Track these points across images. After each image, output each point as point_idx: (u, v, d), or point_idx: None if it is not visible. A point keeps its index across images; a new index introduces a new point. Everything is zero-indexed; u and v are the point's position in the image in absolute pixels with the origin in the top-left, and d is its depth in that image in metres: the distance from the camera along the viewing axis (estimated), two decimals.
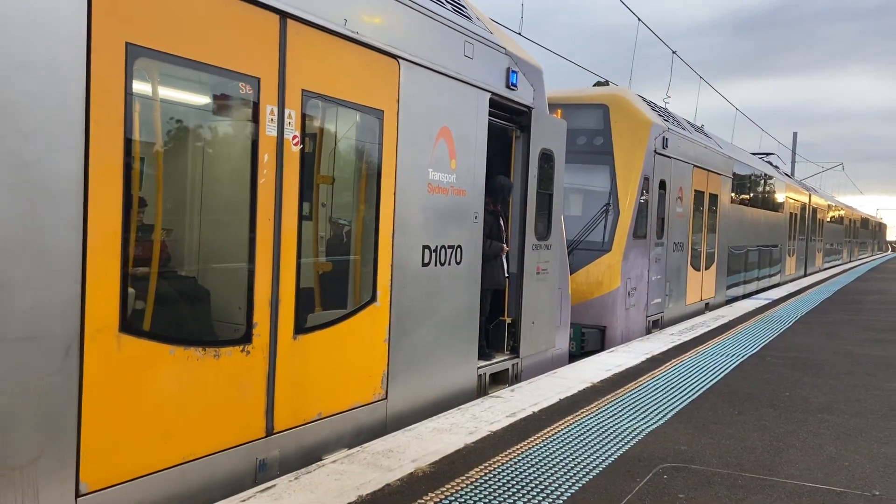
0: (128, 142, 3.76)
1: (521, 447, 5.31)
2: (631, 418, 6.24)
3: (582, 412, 6.38)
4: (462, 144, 6.64)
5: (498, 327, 7.83)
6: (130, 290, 3.92)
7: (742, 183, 18.39)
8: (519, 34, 10.03)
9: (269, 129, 4.63)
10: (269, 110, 4.63)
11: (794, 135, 45.16)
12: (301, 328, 4.97)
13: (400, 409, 6.00)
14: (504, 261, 7.63)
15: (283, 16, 4.66)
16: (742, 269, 18.90)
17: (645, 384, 7.63)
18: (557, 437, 5.59)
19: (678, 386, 7.61)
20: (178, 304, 4.59)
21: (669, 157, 12.78)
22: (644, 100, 12.85)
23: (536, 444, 5.39)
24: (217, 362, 4.36)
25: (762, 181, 20.90)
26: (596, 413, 6.38)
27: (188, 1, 4.08)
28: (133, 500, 3.92)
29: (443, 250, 6.52)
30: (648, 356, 9.22)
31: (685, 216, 13.97)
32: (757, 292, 20.18)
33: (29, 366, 3.39)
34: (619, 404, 6.73)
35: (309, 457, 5.07)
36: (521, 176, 7.83)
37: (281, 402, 4.83)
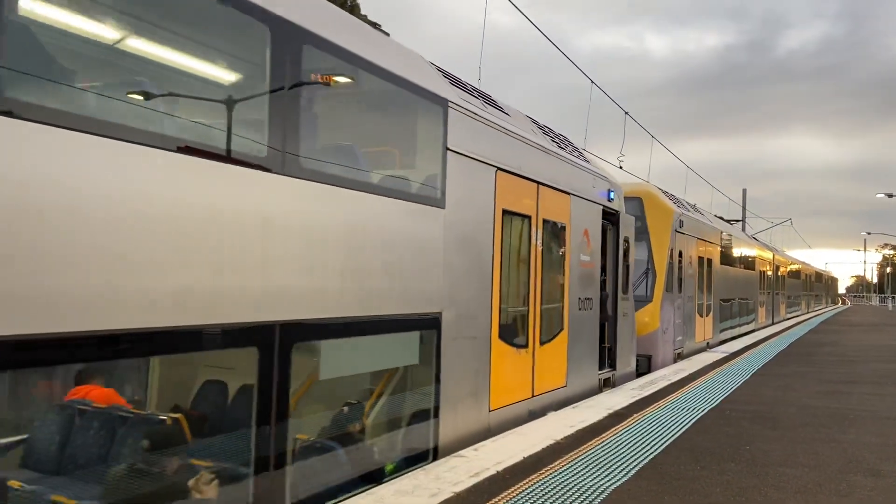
0: (501, 251, 8.07)
1: None
2: (595, 475, 6.19)
3: (546, 470, 6.32)
4: (592, 237, 10.91)
5: (601, 350, 11.58)
6: (497, 320, 8.03)
7: (725, 247, 22.75)
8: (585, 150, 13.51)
9: (534, 239, 9.01)
10: (534, 229, 9.00)
11: (744, 191, 46.64)
12: (541, 342, 9.21)
13: (570, 394, 10.04)
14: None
15: (538, 184, 9.07)
16: (729, 317, 23.73)
17: (608, 440, 7.61)
18: (521, 498, 5.50)
19: (641, 441, 7.60)
20: (509, 325, 8.45)
21: (683, 234, 17.51)
22: (664, 192, 17.81)
23: None
24: (520, 354, 8.66)
25: (738, 245, 25.58)
26: (560, 471, 6.32)
27: (523, 187, 8.74)
28: (503, 414, 8.18)
29: (586, 300, 10.70)
30: (611, 411, 9.22)
31: (693, 276, 18.67)
32: (739, 336, 24.62)
33: (478, 350, 7.68)
34: (583, 461, 6.68)
35: (541, 413, 9.00)
36: (612, 254, 12.01)
37: (535, 379, 9.01)
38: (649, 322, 15.32)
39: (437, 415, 6.89)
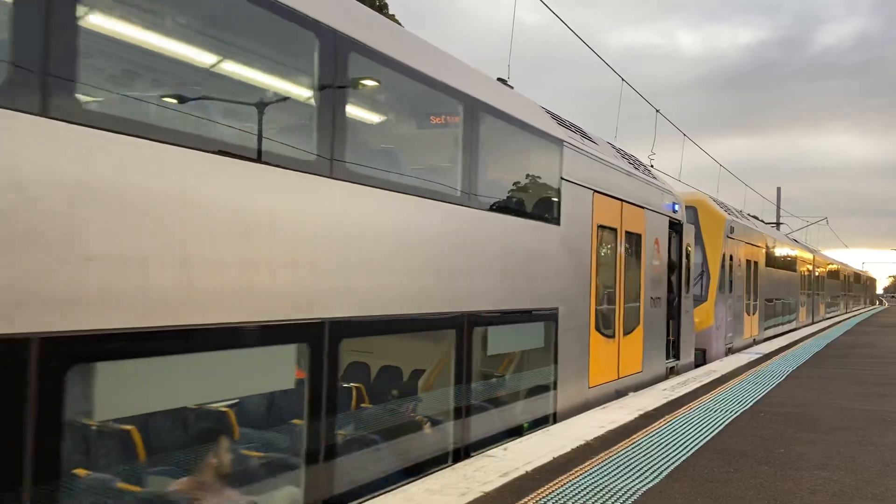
0: (596, 258, 9.80)
1: None
2: (626, 477, 6.15)
3: (576, 471, 6.28)
4: (661, 245, 12.67)
5: (667, 343, 13.33)
6: (594, 314, 9.82)
7: (770, 250, 24.61)
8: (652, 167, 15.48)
9: (619, 248, 10.74)
10: (619, 239, 10.68)
11: (778, 190, 45.85)
12: (624, 333, 10.92)
13: (645, 379, 11.83)
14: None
15: (622, 201, 10.77)
16: (772, 316, 25.38)
17: (639, 441, 7.55)
18: (552, 498, 5.48)
19: (672, 443, 7.53)
20: (602, 318, 10.16)
21: (733, 239, 19.02)
22: (715, 200, 19.79)
23: None
24: (609, 343, 10.38)
25: (781, 248, 27.62)
26: (590, 472, 6.28)
27: (611, 204, 10.41)
28: (597, 391, 9.90)
29: (657, 299, 12.43)
30: (642, 412, 9.13)
31: (742, 277, 20.17)
32: (782, 334, 26.08)
33: (582, 338, 9.50)
34: (614, 462, 6.63)
35: (623, 393, 10.70)
36: (676, 259, 13.81)
37: (620, 364, 10.73)
38: (704, 319, 17.00)
39: (555, 387, 8.95)
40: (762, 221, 31.35)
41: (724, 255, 18.10)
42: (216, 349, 4.45)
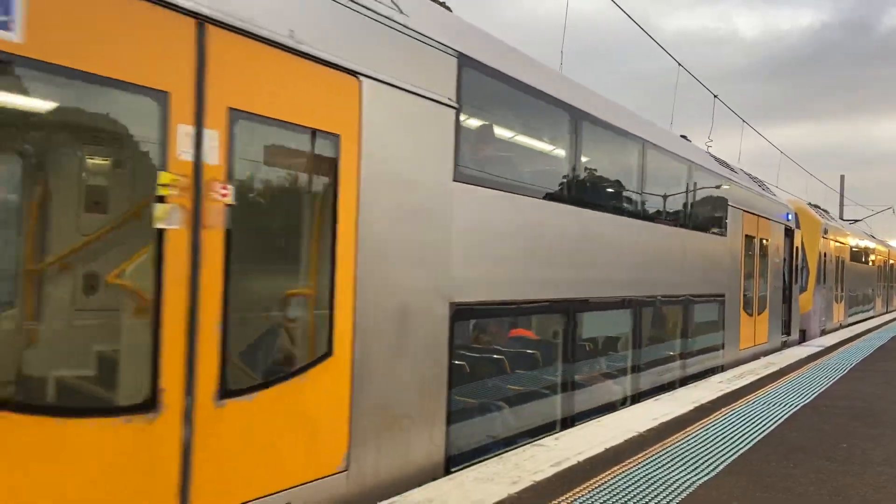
0: (742, 258, 14.14)
1: (567, 498, 5.17)
2: (680, 469, 6.04)
3: (629, 462, 6.20)
4: (780, 246, 16.34)
5: (782, 322, 17.24)
6: (742, 298, 14.35)
7: (853, 248, 28.91)
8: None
9: (755, 250, 14.90)
10: (755, 244, 15.01)
11: (842, 178, 44.34)
12: (758, 312, 14.94)
13: (769, 348, 15.19)
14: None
15: (758, 216, 15.04)
16: (854, 305, 29.61)
17: (694, 434, 7.40)
18: (604, 489, 5.43)
19: (728, 436, 7.36)
20: (746, 302, 14.28)
21: (826, 238, 22.98)
22: (812, 206, 23.69)
23: (582, 496, 5.24)
24: (749, 319, 14.45)
25: (862, 243, 31.81)
26: (643, 464, 6.19)
27: (751, 218, 14.69)
28: (744, 353, 14.08)
29: (776, 288, 16.23)
30: (696, 405, 8.96)
31: (832, 271, 24.19)
32: (862, 321, 29.92)
33: (735, 315, 13.58)
34: (668, 455, 6.52)
35: (758, 356, 14.74)
36: (789, 257, 17.59)
37: (756, 335, 14.93)
38: (804, 305, 20.89)
39: (723, 347, 12.96)
40: (821, 209, 31.84)
41: (819, 253, 22.16)
42: (538, 313, 7.78)
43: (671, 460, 6.33)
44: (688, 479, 5.74)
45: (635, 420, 7.89)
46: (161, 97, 3.81)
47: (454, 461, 6.07)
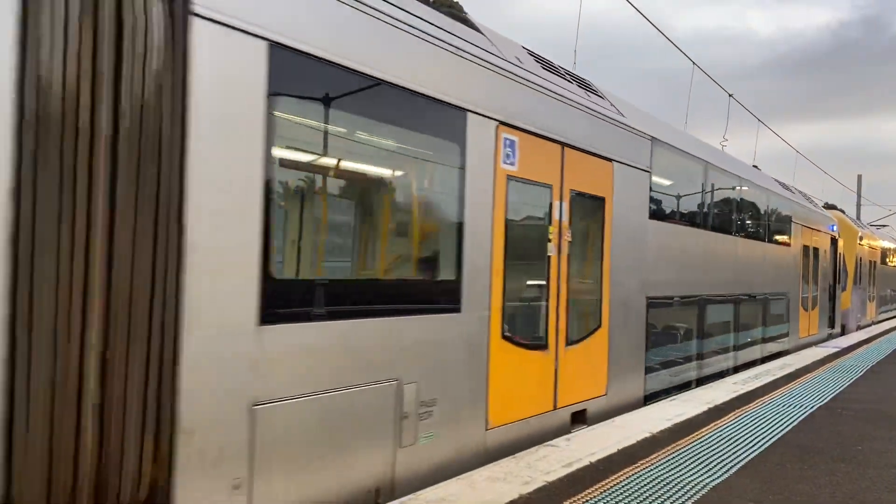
0: (802, 262, 17.87)
1: (579, 499, 5.16)
2: (693, 471, 6.01)
3: (641, 463, 6.18)
4: (829, 253, 20.28)
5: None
6: (801, 296, 17.92)
7: (884, 250, 32.57)
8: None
9: (811, 258, 18.70)
10: (811, 252, 18.92)
11: (859, 177, 43.91)
12: (811, 308, 18.53)
13: (818, 339, 18.63)
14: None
15: (812, 228, 19.06)
16: (884, 303, 33.30)
17: (707, 435, 7.36)
18: (616, 490, 5.41)
19: (743, 438, 7.31)
20: (803, 300, 18.08)
21: (861, 244, 26.06)
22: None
23: (594, 497, 5.23)
24: (805, 314, 18.03)
25: (892, 247, 35.72)
26: (656, 465, 6.17)
27: (822, 235, 19.85)
28: (802, 341, 17.80)
29: (825, 288, 19.96)
30: (711, 406, 8.91)
31: (866, 274, 27.39)
32: (892, 318, 33.99)
33: (795, 309, 17.17)
34: (681, 456, 6.49)
35: (810, 345, 18.07)
36: (833, 261, 20.80)
37: (810, 327, 18.46)
38: (843, 303, 23.19)
39: (787, 336, 16.20)
40: (836, 209, 33.26)
41: (856, 257, 25.28)
42: (686, 305, 10.81)
43: (684, 461, 6.30)
44: (700, 481, 5.71)
45: (648, 421, 7.86)
46: (549, 188, 7.26)
47: (648, 398, 9.38)
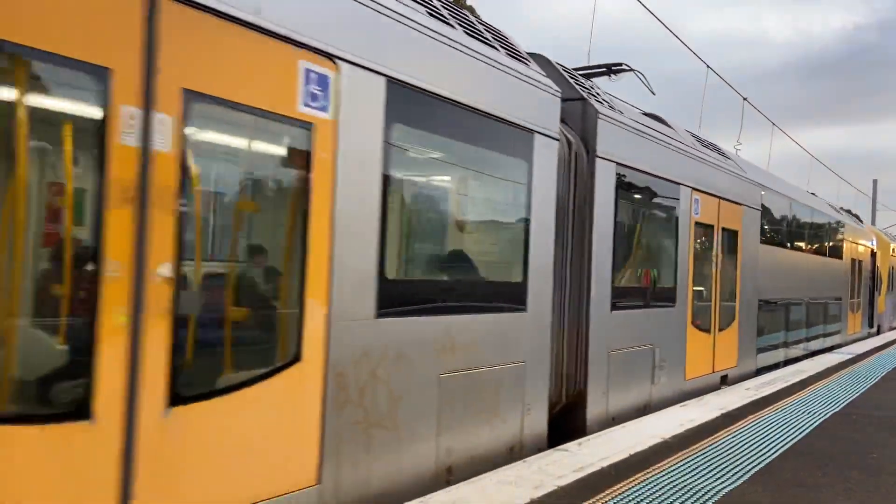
0: (851, 272, 21.86)
1: None
2: (706, 477, 5.96)
3: (654, 469, 6.14)
4: (868, 264, 23.87)
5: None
6: (849, 300, 22.35)
7: None
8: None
9: (857, 268, 22.91)
10: (863, 264, 24.16)
11: (874, 182, 43.36)
12: (854, 311, 22.41)
13: (860, 336, 22.50)
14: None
15: (855, 243, 22.87)
16: None
17: (720, 441, 7.31)
18: (628, 495, 5.38)
19: (756, 444, 7.26)
20: (851, 303, 22.64)
21: (894, 256, 29.05)
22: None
23: (605, 502, 5.20)
24: (851, 315, 21.90)
25: None
26: (668, 470, 6.13)
27: (866, 248, 24.73)
28: (851, 336, 21.95)
29: (865, 293, 23.78)
30: (723, 411, 8.84)
31: None
32: None
33: (844, 311, 20.79)
34: (694, 462, 6.45)
35: (855, 341, 22.29)
36: (872, 271, 24.49)
37: (854, 326, 23.25)
38: (880, 307, 26.34)
39: (840, 332, 19.63)
40: (850, 213, 34.43)
41: (890, 266, 28.28)
42: (779, 306, 14.42)
43: (696, 467, 6.26)
44: (713, 487, 5.67)
45: (660, 426, 7.81)
46: (712, 227, 11.22)
47: (759, 371, 12.89)
